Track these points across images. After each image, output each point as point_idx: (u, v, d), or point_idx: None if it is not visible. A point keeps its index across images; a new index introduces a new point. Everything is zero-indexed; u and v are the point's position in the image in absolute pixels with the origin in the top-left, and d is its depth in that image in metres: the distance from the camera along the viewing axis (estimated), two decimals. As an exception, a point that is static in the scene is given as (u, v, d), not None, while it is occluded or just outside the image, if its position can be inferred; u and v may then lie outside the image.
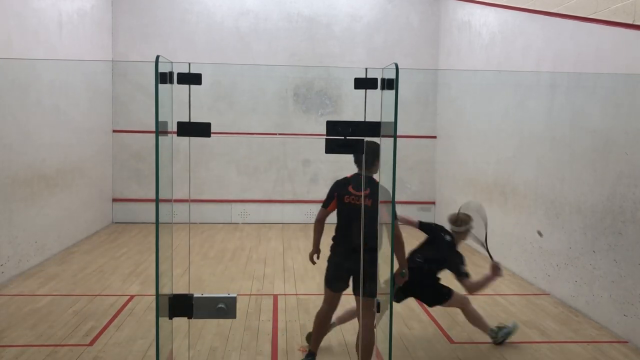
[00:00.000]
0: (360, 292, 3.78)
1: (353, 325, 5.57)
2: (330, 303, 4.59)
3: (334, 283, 4.50)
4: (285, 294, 6.61)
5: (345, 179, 4.46)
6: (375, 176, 4.24)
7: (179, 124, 2.81)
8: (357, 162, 4.34)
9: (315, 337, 4.68)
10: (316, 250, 4.66)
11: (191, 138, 2.90)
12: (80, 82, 9.47)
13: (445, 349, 5.10)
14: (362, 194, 4.26)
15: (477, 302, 6.46)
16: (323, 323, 4.64)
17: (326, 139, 2.79)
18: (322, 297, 4.65)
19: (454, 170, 10.61)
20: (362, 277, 3.52)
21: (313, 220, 4.70)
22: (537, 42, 7.35)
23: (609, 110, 5.72)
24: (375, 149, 3.93)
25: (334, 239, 4.50)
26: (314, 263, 4.69)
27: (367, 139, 2.72)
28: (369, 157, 4.17)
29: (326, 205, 4.52)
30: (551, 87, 6.91)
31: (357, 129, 2.79)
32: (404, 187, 11.58)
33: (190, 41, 11.25)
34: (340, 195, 4.42)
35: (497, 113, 8.50)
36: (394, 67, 2.63)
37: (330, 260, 4.50)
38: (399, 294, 4.90)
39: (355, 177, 4.40)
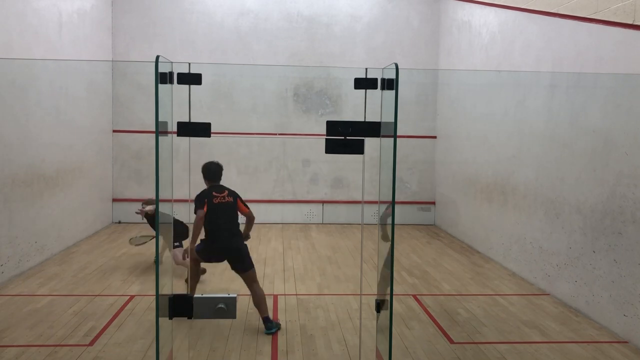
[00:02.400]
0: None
1: (353, 325, 5.57)
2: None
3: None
4: (285, 294, 6.61)
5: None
6: None
7: (179, 124, 2.81)
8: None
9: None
10: None
11: (191, 138, 2.90)
12: (80, 82, 9.47)
13: (445, 349, 5.10)
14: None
15: (478, 302, 6.47)
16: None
17: (326, 139, 2.79)
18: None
19: (454, 170, 10.61)
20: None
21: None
22: (536, 42, 7.35)
23: (609, 110, 5.73)
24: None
25: None
26: None
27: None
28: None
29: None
30: (551, 87, 6.91)
31: (357, 129, 2.79)
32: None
33: (190, 41, 11.26)
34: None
35: (497, 113, 8.50)
36: (394, 67, 2.63)
37: None
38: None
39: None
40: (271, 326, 5.34)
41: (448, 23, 11.06)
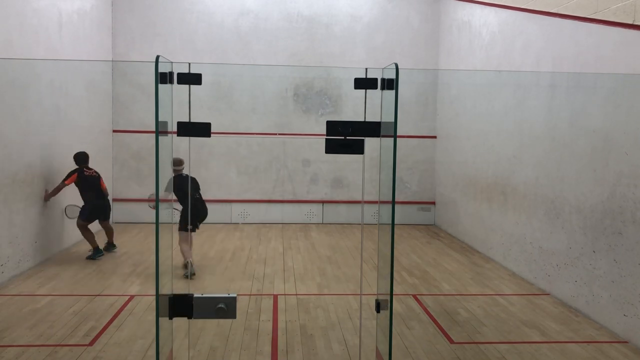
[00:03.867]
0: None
1: (353, 325, 5.58)
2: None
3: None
4: (285, 294, 6.61)
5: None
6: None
7: (179, 124, 2.81)
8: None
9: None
10: None
11: (191, 138, 2.90)
12: (80, 82, 9.46)
13: (445, 349, 5.10)
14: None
15: (478, 302, 6.47)
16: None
17: (326, 139, 2.80)
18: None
19: (454, 170, 10.61)
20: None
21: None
22: (537, 42, 7.35)
23: (609, 110, 5.73)
24: None
25: None
26: None
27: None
28: None
29: None
30: (551, 87, 6.92)
31: (357, 129, 2.80)
32: None
33: (190, 41, 11.26)
34: None
35: (497, 113, 8.50)
36: (394, 67, 2.63)
37: None
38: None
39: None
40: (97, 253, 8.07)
41: (448, 23, 11.06)
